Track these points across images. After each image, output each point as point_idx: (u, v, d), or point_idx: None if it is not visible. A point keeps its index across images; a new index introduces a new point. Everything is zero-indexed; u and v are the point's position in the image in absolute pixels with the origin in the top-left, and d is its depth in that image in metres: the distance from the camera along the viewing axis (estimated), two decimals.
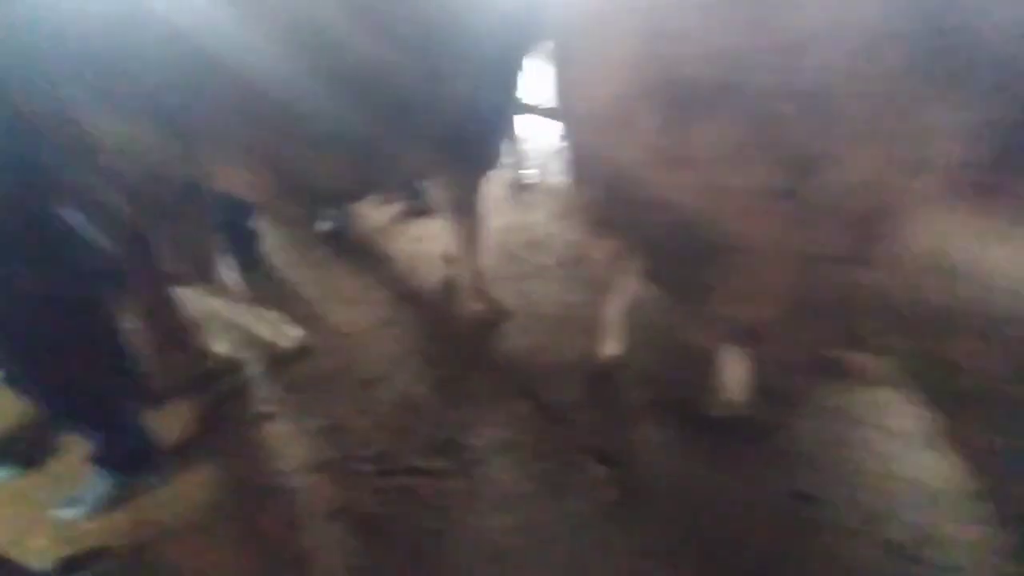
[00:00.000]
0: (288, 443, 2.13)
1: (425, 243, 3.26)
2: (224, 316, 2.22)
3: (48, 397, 1.82)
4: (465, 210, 2.31)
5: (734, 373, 1.89)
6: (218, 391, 2.33)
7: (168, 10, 1.48)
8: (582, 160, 1.23)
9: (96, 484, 1.94)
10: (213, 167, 1.71)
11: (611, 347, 2.13)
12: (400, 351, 2.50)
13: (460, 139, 2.00)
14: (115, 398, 1.92)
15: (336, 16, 1.57)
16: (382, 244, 3.27)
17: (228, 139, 1.65)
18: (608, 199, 1.08)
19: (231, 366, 2.40)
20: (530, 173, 3.82)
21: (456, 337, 2.57)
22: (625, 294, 1.95)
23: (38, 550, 1.82)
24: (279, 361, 2.41)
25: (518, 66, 2.09)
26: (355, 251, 3.19)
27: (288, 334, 2.31)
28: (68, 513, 1.90)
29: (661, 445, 2.02)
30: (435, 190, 2.30)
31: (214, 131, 1.63)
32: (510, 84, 2.11)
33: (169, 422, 2.19)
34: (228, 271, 2.13)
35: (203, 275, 1.96)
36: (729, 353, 1.85)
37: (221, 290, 2.04)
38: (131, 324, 2.59)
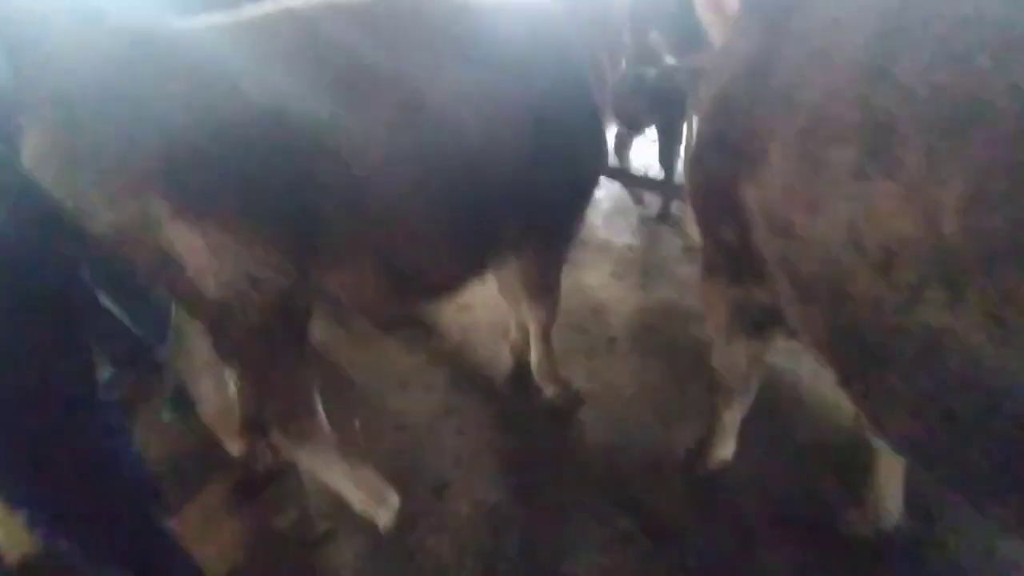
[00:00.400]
0: (354, 572, 1.83)
1: (477, 311, 3.00)
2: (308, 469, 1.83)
3: (61, 525, 1.54)
4: (547, 288, 2.10)
5: (886, 481, 1.61)
6: (267, 502, 2.04)
7: (267, 100, 1.26)
8: (805, 296, 0.97)
9: None
10: (316, 273, 1.47)
11: (723, 450, 1.86)
12: (468, 448, 2.22)
13: (554, 215, 1.92)
14: (147, 531, 1.62)
15: (450, 103, 1.44)
16: (430, 314, 3.00)
17: (339, 239, 1.43)
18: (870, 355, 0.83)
19: (282, 470, 2.11)
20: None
21: (528, 429, 2.29)
22: (750, 397, 1.68)
23: None
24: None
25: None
26: (401, 324, 2.92)
27: (386, 502, 1.84)
28: None
29: (793, 571, 1.73)
30: (514, 269, 2.05)
31: (324, 231, 1.41)
32: (602, 155, 1.94)
33: (213, 543, 1.89)
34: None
35: (296, 429, 1.60)
36: (882, 457, 1.58)
37: (314, 442, 1.66)
38: (167, 417, 2.32)
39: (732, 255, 1.25)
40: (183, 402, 2.27)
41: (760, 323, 1.34)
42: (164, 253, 1.27)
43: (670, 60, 2.64)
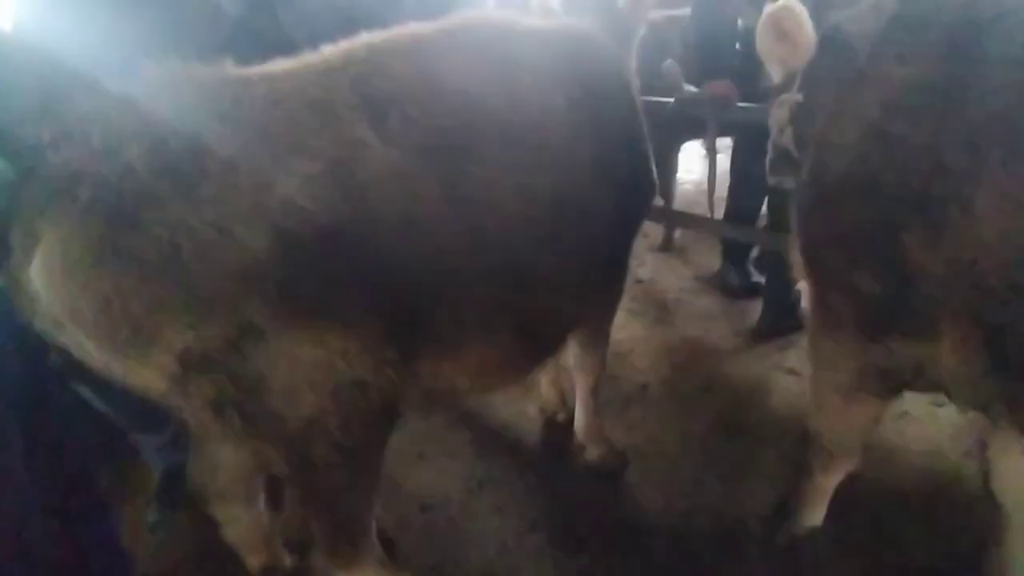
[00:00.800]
0: None
1: None
2: None
3: None
4: (604, 335, 1.95)
5: (1015, 550, 1.43)
6: None
7: (388, 162, 1.03)
8: None
9: None
10: (430, 360, 1.23)
11: (813, 516, 1.66)
12: (510, 527, 1.94)
13: (620, 253, 1.81)
14: None
15: (564, 141, 1.34)
16: None
17: (473, 311, 1.23)
18: None
19: None
20: None
21: (575, 499, 2.03)
22: (855, 461, 1.49)
23: None
24: None
25: None
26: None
27: None
28: None
29: None
30: None
31: (457, 307, 1.20)
32: (655, 187, 1.89)
33: None
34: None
35: (348, 552, 1.30)
36: (1016, 523, 1.40)
37: (362, 563, 1.35)
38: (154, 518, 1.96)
39: (873, 308, 1.07)
40: (173, 500, 1.93)
41: (904, 382, 1.16)
42: (246, 378, 0.97)
43: (689, 88, 2.51)
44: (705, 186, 4.84)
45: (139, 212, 0.89)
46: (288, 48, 2.15)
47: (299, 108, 1.02)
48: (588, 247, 1.46)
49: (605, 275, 1.70)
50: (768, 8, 1.41)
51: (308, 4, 2.18)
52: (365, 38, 1.20)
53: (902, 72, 0.95)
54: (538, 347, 1.51)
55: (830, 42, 1.29)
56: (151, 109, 0.95)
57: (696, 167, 5.44)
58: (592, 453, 2.10)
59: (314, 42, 2.12)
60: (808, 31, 1.40)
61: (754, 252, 3.16)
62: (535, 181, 1.24)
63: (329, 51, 1.17)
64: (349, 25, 1.97)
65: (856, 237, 1.04)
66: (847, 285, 1.10)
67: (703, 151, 5.59)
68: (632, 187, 1.63)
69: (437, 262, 1.12)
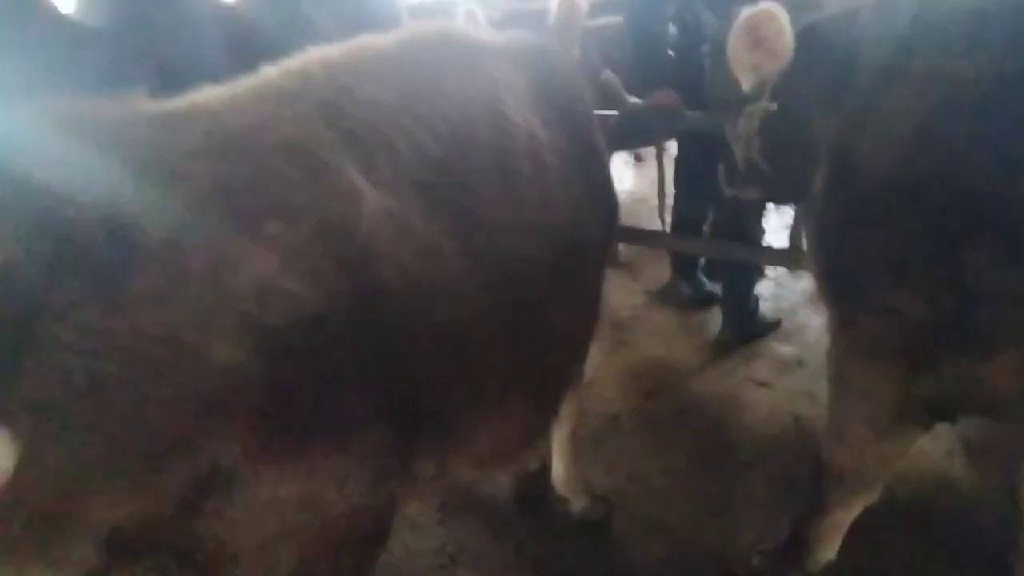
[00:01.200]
0: None
1: None
2: None
3: None
4: (582, 372, 1.79)
5: None
6: None
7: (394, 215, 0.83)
8: None
9: None
10: (431, 453, 1.01)
11: (830, 550, 1.52)
12: None
13: (599, 279, 1.63)
14: None
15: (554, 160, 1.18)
16: None
17: (484, 390, 1.05)
18: None
19: None
20: None
21: (562, 563, 1.81)
22: (877, 493, 1.36)
23: None
24: None
25: None
26: None
27: None
28: None
29: None
30: None
31: (470, 387, 1.01)
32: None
33: None
34: None
35: None
36: None
37: None
38: None
39: (920, 333, 0.93)
40: None
41: (954, 408, 1.03)
42: (204, 549, 0.66)
43: (634, 100, 2.39)
44: (638, 196, 4.82)
45: (28, 330, 0.57)
46: (172, 74, 1.80)
47: (267, 152, 0.74)
48: (586, 282, 1.31)
49: (593, 309, 1.53)
50: (744, 13, 1.28)
51: (197, 23, 1.88)
52: (315, 54, 0.92)
53: (959, 68, 0.82)
54: (549, 409, 1.34)
55: (813, 43, 1.17)
56: (31, 169, 0.61)
57: (625, 177, 5.44)
58: (576, 506, 1.89)
59: (204, 67, 1.78)
60: (787, 37, 1.28)
61: (702, 260, 3.10)
62: (537, 217, 1.06)
63: (274, 73, 0.87)
64: (246, 48, 1.68)
65: (901, 255, 0.90)
66: (887, 309, 0.96)
67: (631, 160, 5.63)
68: (605, 209, 1.48)
69: (454, 333, 0.89)
